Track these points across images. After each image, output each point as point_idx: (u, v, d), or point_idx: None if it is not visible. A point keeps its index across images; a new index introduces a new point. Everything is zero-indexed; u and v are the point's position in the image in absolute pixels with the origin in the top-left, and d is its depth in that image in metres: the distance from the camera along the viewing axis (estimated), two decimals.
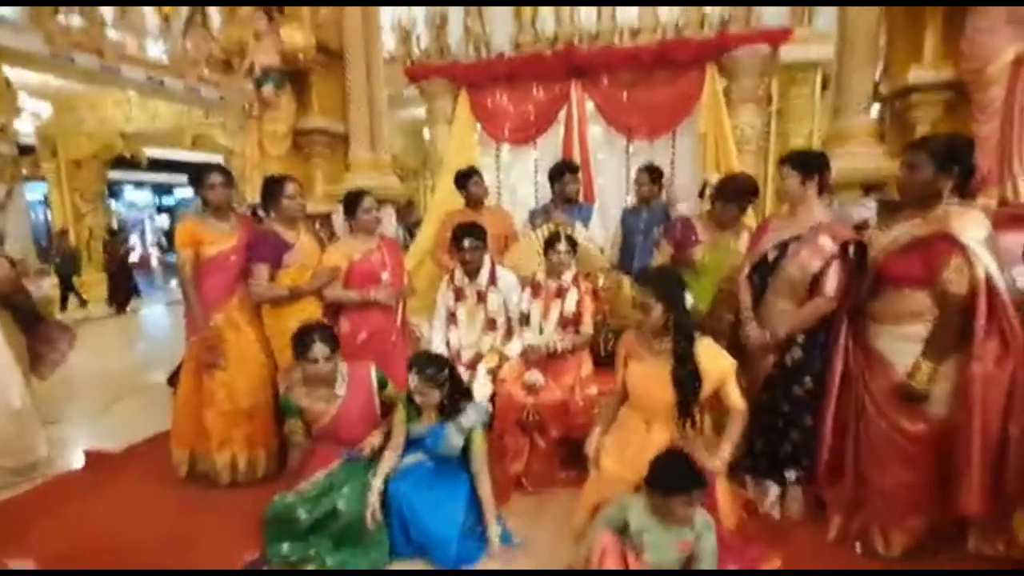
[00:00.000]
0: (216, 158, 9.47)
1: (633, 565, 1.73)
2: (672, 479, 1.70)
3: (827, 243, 2.18)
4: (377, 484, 2.16)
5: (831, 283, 2.18)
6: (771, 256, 2.34)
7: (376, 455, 2.28)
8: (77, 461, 3.16)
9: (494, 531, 2.13)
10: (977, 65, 2.49)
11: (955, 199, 1.92)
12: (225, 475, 2.75)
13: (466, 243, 2.82)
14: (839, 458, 2.21)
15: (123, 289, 9.07)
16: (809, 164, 2.29)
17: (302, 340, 2.24)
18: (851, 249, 2.16)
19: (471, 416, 2.20)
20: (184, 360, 2.88)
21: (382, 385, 2.41)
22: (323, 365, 2.24)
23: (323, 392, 2.31)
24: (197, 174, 2.75)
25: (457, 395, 2.24)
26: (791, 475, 2.34)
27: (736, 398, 2.01)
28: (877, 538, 2.09)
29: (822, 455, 2.22)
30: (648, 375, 2.03)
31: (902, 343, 1.99)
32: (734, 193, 2.79)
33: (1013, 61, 2.40)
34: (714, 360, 1.98)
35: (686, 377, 1.93)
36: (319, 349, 2.21)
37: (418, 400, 2.21)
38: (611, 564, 1.72)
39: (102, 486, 2.86)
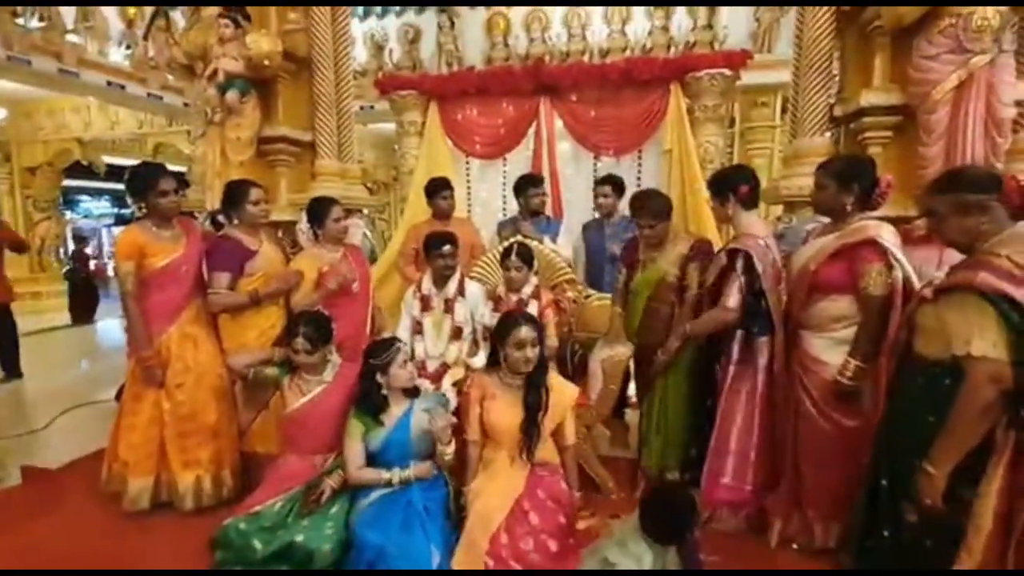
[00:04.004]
0: (179, 167, 9.24)
1: None
2: (680, 518, 1.80)
3: (722, 256, 2.31)
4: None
5: (730, 295, 2.25)
6: None
7: (335, 495, 2.18)
8: (13, 477, 2.97)
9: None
10: (923, 89, 2.61)
11: (864, 213, 2.12)
12: (189, 499, 2.54)
13: (445, 248, 2.81)
14: (776, 467, 2.28)
15: (89, 299, 8.69)
16: (720, 186, 2.42)
17: (290, 328, 2.33)
18: (739, 259, 2.23)
19: (431, 400, 2.24)
20: (128, 382, 2.65)
21: None
22: (303, 357, 2.28)
23: (309, 376, 2.35)
24: (139, 177, 2.53)
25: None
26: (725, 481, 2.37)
27: (571, 433, 2.26)
28: (818, 532, 2.18)
29: (758, 478, 2.27)
30: (506, 410, 2.16)
31: (834, 346, 2.11)
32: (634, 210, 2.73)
33: (956, 86, 2.52)
34: (560, 390, 2.21)
35: (535, 399, 2.12)
36: (299, 343, 2.27)
37: (399, 376, 2.20)
38: None
39: (38, 505, 2.69)
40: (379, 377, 2.19)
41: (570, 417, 2.26)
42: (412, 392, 2.29)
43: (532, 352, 2.09)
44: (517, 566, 1.93)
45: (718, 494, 2.33)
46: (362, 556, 1.99)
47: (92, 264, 9.57)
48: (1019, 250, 1.48)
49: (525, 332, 2.07)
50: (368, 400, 2.21)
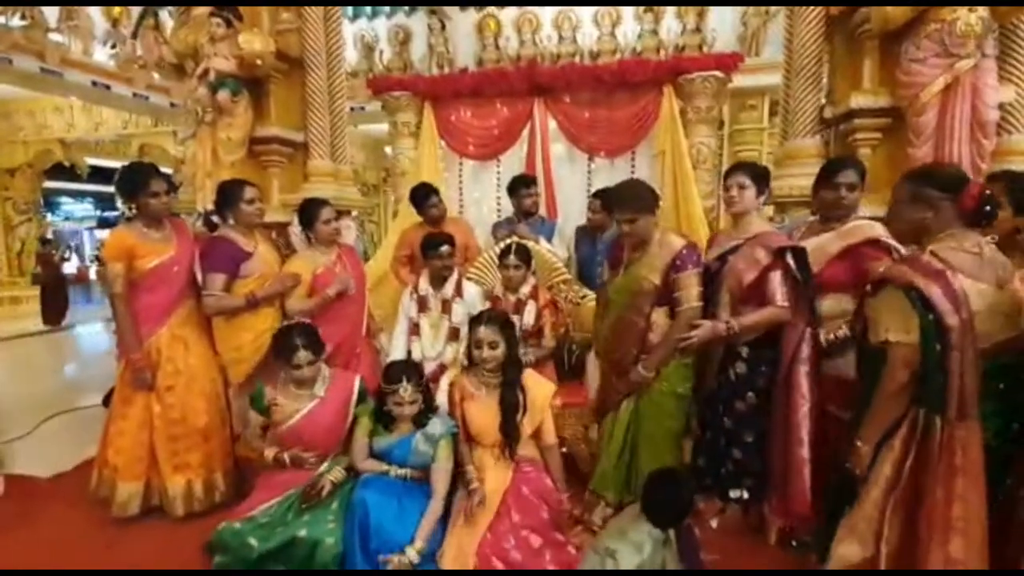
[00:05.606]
0: (166, 168, 9.11)
1: None
2: (680, 498, 1.85)
3: (760, 253, 2.17)
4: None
5: (779, 292, 2.14)
6: (713, 268, 2.33)
7: (334, 491, 2.16)
8: None
9: (419, 544, 1.98)
10: (911, 92, 2.66)
11: (859, 213, 2.23)
12: (179, 504, 2.50)
13: (443, 249, 2.79)
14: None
15: (58, 302, 8.44)
16: (764, 176, 2.36)
17: (285, 344, 2.26)
18: (788, 255, 2.14)
19: (438, 427, 2.19)
20: (117, 385, 2.60)
21: (361, 398, 2.36)
22: (307, 370, 2.25)
23: (300, 391, 2.30)
24: (130, 178, 2.51)
25: (427, 404, 2.29)
26: (735, 494, 2.31)
27: (550, 432, 2.27)
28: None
29: (801, 485, 2.12)
30: (484, 410, 2.18)
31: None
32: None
33: (943, 88, 2.57)
34: (538, 386, 2.22)
35: (511, 400, 2.13)
36: (303, 356, 2.23)
37: (401, 411, 2.20)
38: None
39: (24, 517, 2.61)
40: (388, 400, 2.23)
41: (548, 416, 2.24)
42: (425, 414, 2.25)
43: (489, 352, 2.13)
44: (499, 565, 1.93)
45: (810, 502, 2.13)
46: (355, 515, 2.03)
47: (76, 267, 9.34)
48: (944, 247, 1.60)
49: (482, 332, 2.14)
50: (381, 413, 2.27)
